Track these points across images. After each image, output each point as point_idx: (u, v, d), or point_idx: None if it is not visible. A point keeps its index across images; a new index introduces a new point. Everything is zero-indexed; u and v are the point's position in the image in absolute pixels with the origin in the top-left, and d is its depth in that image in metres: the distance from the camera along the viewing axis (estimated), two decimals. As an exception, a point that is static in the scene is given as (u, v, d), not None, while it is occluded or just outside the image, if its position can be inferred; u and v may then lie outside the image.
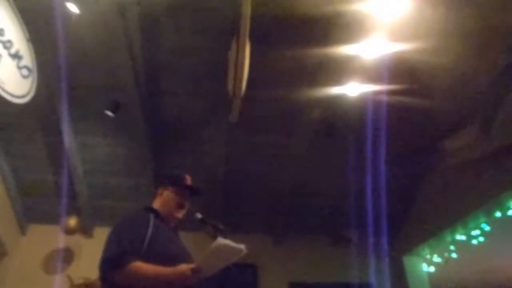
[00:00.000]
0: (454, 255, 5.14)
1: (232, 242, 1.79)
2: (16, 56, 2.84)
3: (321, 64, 3.78)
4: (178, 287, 1.75)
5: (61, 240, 5.00)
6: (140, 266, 1.73)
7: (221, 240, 1.76)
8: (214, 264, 1.83)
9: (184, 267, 1.75)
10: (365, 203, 4.95)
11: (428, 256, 5.40)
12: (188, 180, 2.22)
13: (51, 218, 5.01)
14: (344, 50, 3.58)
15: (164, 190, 2.17)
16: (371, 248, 5.42)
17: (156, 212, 2.06)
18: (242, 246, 1.82)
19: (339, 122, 4.39)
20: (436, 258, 5.35)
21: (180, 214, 2.14)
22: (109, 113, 3.99)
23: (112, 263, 1.73)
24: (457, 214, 4.49)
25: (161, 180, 2.27)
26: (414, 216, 5.32)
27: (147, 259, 1.76)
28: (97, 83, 4.05)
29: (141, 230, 1.86)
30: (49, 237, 5.06)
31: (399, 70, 3.76)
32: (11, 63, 2.79)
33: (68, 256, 5.12)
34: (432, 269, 5.44)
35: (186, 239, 2.13)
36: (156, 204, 2.14)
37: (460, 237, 4.74)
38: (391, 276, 5.40)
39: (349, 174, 4.83)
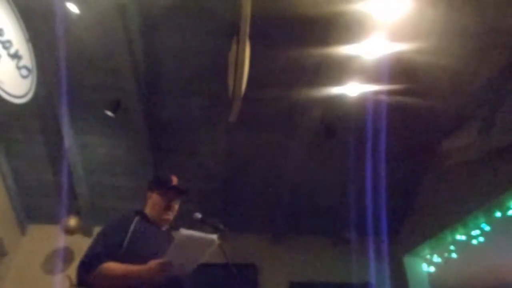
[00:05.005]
0: (454, 255, 5.13)
1: (199, 233, 1.75)
2: (15, 56, 2.85)
3: (321, 64, 3.78)
4: (152, 283, 1.76)
5: (61, 240, 4.99)
6: (110, 266, 1.80)
7: (184, 231, 1.72)
8: (184, 257, 1.78)
9: (152, 262, 1.76)
10: (365, 203, 4.95)
11: (428, 256, 5.40)
12: (174, 180, 2.23)
13: (51, 218, 5.01)
14: (344, 50, 3.58)
15: (152, 193, 2.21)
16: (371, 248, 5.42)
17: (143, 215, 2.11)
18: (213, 237, 1.78)
19: (339, 122, 4.38)
20: (436, 258, 5.34)
21: (168, 216, 2.16)
22: (109, 113, 4.00)
23: (84, 267, 1.81)
24: (457, 214, 4.49)
25: (149, 184, 2.29)
26: (414, 216, 5.32)
27: (125, 260, 1.81)
28: (97, 83, 4.04)
29: (119, 234, 1.93)
30: (49, 237, 5.06)
31: (399, 70, 3.76)
32: (10, 63, 2.79)
33: (68, 256, 5.12)
34: (432, 269, 5.44)
35: (186, 239, 2.12)
36: (147, 208, 2.19)
37: (460, 237, 4.74)
38: (391, 276, 5.39)
39: (349, 174, 4.83)
